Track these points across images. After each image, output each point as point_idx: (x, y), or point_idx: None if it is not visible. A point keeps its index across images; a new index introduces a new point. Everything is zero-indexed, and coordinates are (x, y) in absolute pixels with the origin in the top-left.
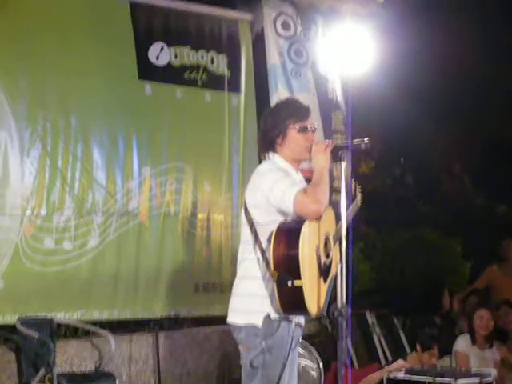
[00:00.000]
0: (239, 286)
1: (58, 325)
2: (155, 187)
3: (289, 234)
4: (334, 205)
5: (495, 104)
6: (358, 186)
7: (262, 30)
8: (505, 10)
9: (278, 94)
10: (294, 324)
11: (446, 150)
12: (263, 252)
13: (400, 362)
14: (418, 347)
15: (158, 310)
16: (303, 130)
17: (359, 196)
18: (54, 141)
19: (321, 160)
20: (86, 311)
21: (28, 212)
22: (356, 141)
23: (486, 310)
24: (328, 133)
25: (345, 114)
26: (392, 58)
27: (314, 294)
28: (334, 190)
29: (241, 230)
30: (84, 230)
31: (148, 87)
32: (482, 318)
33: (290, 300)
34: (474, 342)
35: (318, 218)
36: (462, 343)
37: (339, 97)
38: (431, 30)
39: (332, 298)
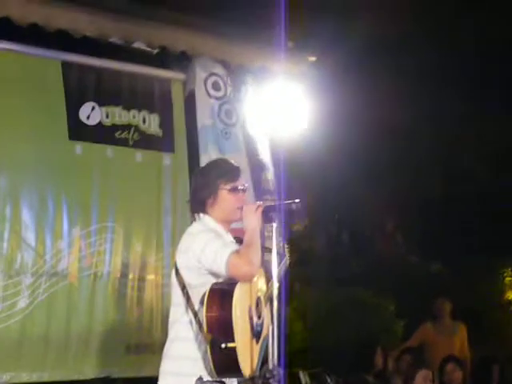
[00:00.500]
0: (171, 349)
1: None
2: (85, 248)
3: (221, 295)
4: (265, 265)
5: (429, 162)
6: (285, 246)
7: (193, 90)
8: (442, 68)
9: (209, 154)
10: None
11: (380, 209)
12: (195, 314)
13: None
14: None
15: (89, 371)
16: (234, 190)
17: (287, 256)
18: None
19: (252, 221)
20: (15, 374)
21: None
22: (286, 202)
23: (427, 370)
24: (258, 193)
25: (273, 174)
26: (325, 117)
27: (247, 355)
28: (266, 251)
29: (172, 292)
30: (13, 291)
31: (78, 147)
32: (426, 379)
33: (224, 362)
34: None
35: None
36: None
37: (268, 158)
38: (365, 87)
39: (264, 358)
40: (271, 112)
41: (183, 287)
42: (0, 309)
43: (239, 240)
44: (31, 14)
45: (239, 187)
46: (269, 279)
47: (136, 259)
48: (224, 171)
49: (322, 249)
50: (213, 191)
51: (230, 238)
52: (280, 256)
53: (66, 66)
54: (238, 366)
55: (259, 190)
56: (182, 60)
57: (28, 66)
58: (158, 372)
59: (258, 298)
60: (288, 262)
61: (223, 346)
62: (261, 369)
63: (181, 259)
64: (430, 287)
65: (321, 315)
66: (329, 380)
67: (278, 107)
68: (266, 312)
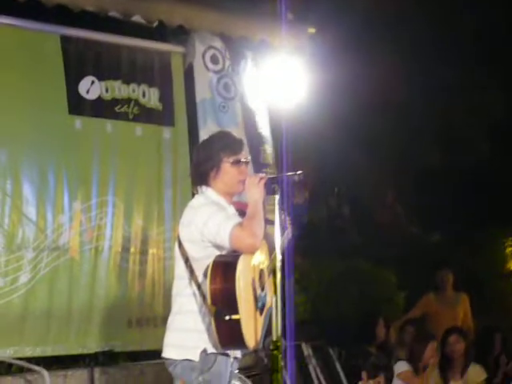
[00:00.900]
0: (174, 321)
1: None
2: (86, 222)
3: (225, 267)
4: (267, 237)
5: (428, 133)
6: (288, 218)
7: (193, 64)
8: (436, 43)
9: (207, 128)
10: (232, 358)
11: (380, 180)
12: (199, 287)
13: None
14: (364, 375)
15: (92, 345)
16: (237, 163)
17: (289, 228)
18: None
19: (255, 193)
20: (18, 348)
21: None
22: (289, 174)
23: (435, 342)
24: (257, 167)
25: (272, 147)
26: (324, 89)
27: (251, 327)
28: (268, 223)
29: (175, 264)
30: (15, 266)
31: (78, 122)
32: (434, 351)
33: (228, 334)
34: (416, 370)
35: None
36: (404, 366)
37: (267, 131)
38: (363, 61)
39: (268, 330)
40: (270, 85)
41: (186, 260)
42: (2, 284)
43: (242, 212)
44: None
45: (242, 160)
46: (271, 251)
47: (137, 233)
48: (227, 144)
49: (322, 221)
50: (215, 164)
51: (232, 210)
52: (282, 228)
53: (65, 40)
54: (243, 338)
55: (258, 164)
56: (180, 33)
57: (27, 41)
58: (160, 345)
59: (261, 270)
60: (290, 233)
61: (227, 317)
62: (264, 341)
63: (183, 232)
64: (431, 258)
65: (322, 287)
66: (331, 352)
67: (277, 80)
68: (268, 284)
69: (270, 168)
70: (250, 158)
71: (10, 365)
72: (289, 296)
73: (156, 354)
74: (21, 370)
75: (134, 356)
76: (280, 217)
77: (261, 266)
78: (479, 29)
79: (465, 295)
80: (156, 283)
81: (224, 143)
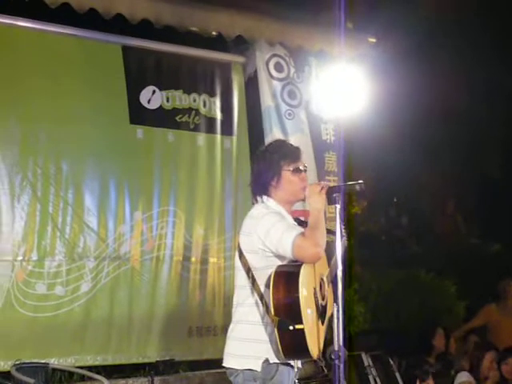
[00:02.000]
0: (235, 330)
1: (53, 370)
2: (147, 231)
3: (288, 277)
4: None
5: (487, 143)
6: (344, 227)
7: (255, 73)
8: (498, 51)
9: (273, 135)
10: (296, 368)
11: (439, 190)
12: (261, 297)
13: None
14: (418, 382)
15: (152, 354)
16: (297, 171)
17: (345, 236)
18: (44, 186)
19: (316, 202)
20: (79, 356)
21: (19, 258)
22: (351, 183)
23: (494, 352)
24: (321, 174)
25: (337, 155)
26: (385, 98)
27: (314, 336)
28: (327, 232)
29: (235, 274)
30: (76, 275)
31: (140, 131)
32: (493, 361)
33: (292, 344)
34: (478, 381)
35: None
36: (465, 377)
37: (332, 138)
38: (424, 69)
39: (327, 340)
40: (333, 93)
41: (248, 270)
42: (63, 293)
43: (300, 221)
44: (89, 0)
45: (301, 167)
46: (329, 259)
47: (198, 242)
48: (286, 152)
49: (381, 231)
50: (276, 173)
51: (291, 219)
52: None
53: (126, 50)
54: (307, 348)
55: (322, 171)
56: (240, 43)
57: (90, 51)
58: (220, 355)
59: (322, 279)
60: (346, 242)
61: (291, 327)
62: (324, 350)
63: (245, 242)
64: (491, 268)
65: (382, 297)
66: (391, 362)
67: (340, 89)
68: (329, 293)
69: (334, 175)
70: (311, 165)
71: (72, 373)
72: (344, 305)
73: (216, 363)
74: (82, 379)
75: (194, 365)
76: (344, 224)
77: (321, 275)
78: None
79: None
80: (216, 292)
81: (283, 152)
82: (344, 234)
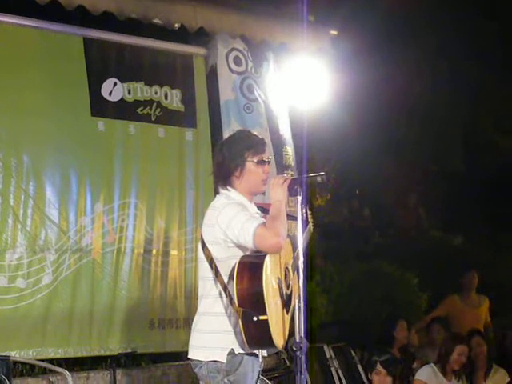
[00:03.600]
0: (200, 322)
1: (15, 363)
2: (108, 223)
3: (251, 268)
4: (291, 234)
5: (450, 136)
6: (309, 213)
7: (216, 65)
8: (462, 46)
9: (231, 128)
10: (260, 358)
11: (402, 182)
12: (225, 288)
13: None
14: (379, 367)
15: (114, 346)
16: (261, 162)
17: (310, 222)
18: (5, 179)
19: (278, 194)
20: (40, 349)
21: None
22: (312, 174)
23: (464, 346)
24: (280, 168)
25: (293, 150)
26: (347, 91)
27: (279, 326)
28: (292, 219)
29: (198, 266)
30: (37, 268)
31: (101, 124)
32: (461, 355)
33: (256, 335)
34: (444, 373)
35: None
36: (424, 374)
37: (289, 133)
38: (386, 62)
39: (290, 331)
40: (292, 87)
41: (211, 261)
42: (25, 285)
43: (264, 210)
44: None
45: (265, 159)
46: (295, 249)
47: (159, 235)
48: (251, 143)
49: (343, 223)
50: (240, 163)
51: (254, 209)
52: (303, 224)
53: (87, 42)
54: (271, 338)
55: (280, 165)
56: (202, 35)
57: (50, 42)
58: (182, 347)
59: (286, 268)
60: (312, 228)
61: (255, 318)
62: (287, 341)
63: (207, 233)
64: (453, 260)
65: (344, 289)
66: (353, 354)
67: (299, 82)
68: (293, 282)
69: (292, 170)
70: (271, 158)
71: (33, 366)
72: (305, 297)
73: (178, 355)
74: (43, 372)
75: (156, 358)
76: (303, 217)
77: (286, 264)
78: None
79: (486, 298)
80: (178, 285)
81: (248, 143)
82: (309, 220)
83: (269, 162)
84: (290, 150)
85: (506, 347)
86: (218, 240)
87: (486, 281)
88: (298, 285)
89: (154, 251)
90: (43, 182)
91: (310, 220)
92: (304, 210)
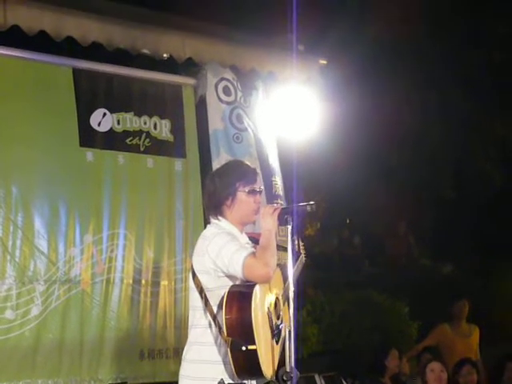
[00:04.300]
0: (190, 352)
1: None
2: (97, 254)
3: (240, 298)
4: (282, 265)
5: (440, 165)
6: (301, 244)
7: (205, 95)
8: (451, 73)
9: (220, 158)
10: None
11: (392, 211)
12: (214, 317)
13: None
14: None
15: (104, 377)
16: (252, 192)
17: (303, 253)
18: None
19: (269, 223)
20: (30, 381)
21: None
22: (302, 204)
23: (436, 362)
24: (269, 198)
25: (281, 179)
26: (336, 120)
27: (268, 356)
28: (282, 249)
29: (189, 295)
30: (26, 299)
31: (89, 154)
32: (433, 371)
33: (245, 364)
34: None
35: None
36: None
37: (277, 162)
38: (376, 91)
39: (281, 361)
40: (281, 116)
41: (201, 290)
42: (13, 317)
43: (254, 240)
44: (39, 22)
45: (256, 189)
46: (285, 279)
47: (148, 265)
48: (242, 173)
49: (333, 252)
50: (231, 193)
51: (245, 239)
52: (296, 255)
53: (76, 72)
54: (260, 368)
55: (270, 195)
56: (191, 65)
57: (40, 73)
58: (172, 377)
59: (277, 299)
60: (304, 259)
61: (244, 348)
62: (277, 371)
63: (197, 263)
64: (443, 289)
65: (335, 319)
66: (344, 383)
67: (288, 111)
68: (284, 312)
69: (281, 199)
70: (263, 187)
71: None
72: (296, 326)
73: None
74: None
75: None
76: (292, 244)
77: (276, 294)
78: (494, 60)
79: (477, 327)
80: (168, 315)
81: (240, 173)
82: (302, 251)
83: (260, 192)
84: (278, 180)
85: (496, 377)
86: (207, 269)
87: (476, 309)
88: (289, 315)
89: (144, 281)
90: (32, 212)
91: (302, 251)
92: (295, 241)
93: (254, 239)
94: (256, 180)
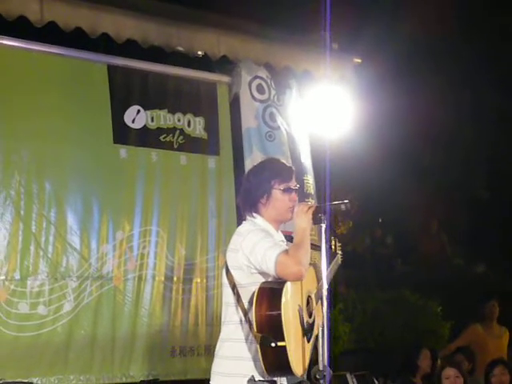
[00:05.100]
0: (222, 349)
1: None
2: (129, 251)
3: (271, 294)
4: (316, 264)
5: (475, 164)
6: (337, 244)
7: (239, 93)
8: (485, 71)
9: (253, 156)
10: None
11: (425, 210)
12: (245, 314)
13: None
14: None
15: (135, 373)
16: (287, 190)
17: (339, 254)
18: (27, 205)
19: (303, 221)
20: (62, 376)
21: (1, 277)
22: (337, 203)
23: (451, 368)
24: (301, 197)
25: (314, 178)
26: (371, 119)
27: (298, 354)
28: (317, 249)
29: (222, 291)
30: (59, 295)
31: (123, 151)
32: (449, 378)
33: (275, 361)
34: None
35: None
36: None
37: (309, 161)
38: (410, 90)
39: (313, 359)
40: (315, 115)
41: (233, 286)
42: (46, 312)
43: (289, 238)
44: (75, 19)
45: (292, 187)
46: (319, 278)
47: (180, 262)
48: (278, 171)
49: (366, 251)
50: (267, 191)
51: (280, 237)
52: (332, 255)
53: (111, 69)
54: (289, 365)
55: (301, 194)
56: (226, 63)
57: (75, 70)
58: (203, 374)
59: (309, 297)
60: (340, 259)
61: (273, 344)
62: (309, 369)
63: (231, 259)
64: (476, 289)
65: (367, 317)
66: (376, 382)
67: (322, 110)
68: (317, 311)
69: (312, 198)
70: (299, 185)
71: None
72: (329, 325)
73: (200, 383)
74: None
75: None
76: (329, 244)
77: (308, 293)
78: None
79: (506, 329)
80: (199, 312)
81: (275, 170)
82: (339, 251)
83: (296, 190)
84: (310, 179)
85: None
86: (241, 266)
87: (507, 310)
88: (322, 313)
89: (175, 278)
90: (65, 208)
91: (338, 251)
92: (332, 240)
93: (290, 237)
94: (291, 178)
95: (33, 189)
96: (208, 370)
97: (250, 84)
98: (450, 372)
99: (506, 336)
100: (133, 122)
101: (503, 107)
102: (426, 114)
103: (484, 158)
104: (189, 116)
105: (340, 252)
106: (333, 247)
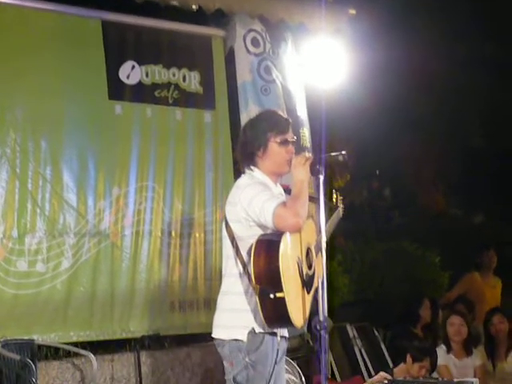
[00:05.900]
0: (223, 302)
1: (39, 346)
2: (125, 207)
3: (268, 246)
4: (316, 216)
5: (469, 114)
6: (339, 197)
7: (234, 47)
8: (479, 22)
9: (249, 110)
10: (278, 338)
11: (421, 161)
12: (245, 266)
13: (382, 374)
14: (409, 358)
15: (135, 329)
16: (284, 142)
17: (341, 206)
18: (23, 163)
19: (300, 173)
20: (62, 333)
21: None
22: (334, 154)
23: (456, 316)
24: (297, 149)
25: (310, 130)
26: (365, 70)
27: (297, 305)
28: (315, 201)
29: (222, 245)
30: (57, 252)
31: (118, 107)
32: (453, 325)
33: (274, 313)
34: (448, 350)
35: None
36: (439, 355)
37: (305, 114)
38: (404, 41)
39: (313, 311)
40: (310, 67)
41: (233, 239)
42: (44, 270)
43: (289, 191)
44: None
45: (289, 139)
46: (319, 230)
47: (177, 217)
48: (274, 123)
49: (363, 203)
50: (263, 143)
51: (279, 189)
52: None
53: (106, 24)
54: (288, 316)
55: (298, 146)
56: (221, 17)
57: (69, 26)
58: (203, 329)
59: (308, 249)
60: (341, 212)
61: (271, 296)
62: (310, 321)
63: (230, 211)
64: (474, 239)
65: (366, 269)
66: (376, 333)
67: (317, 62)
68: (317, 262)
69: (308, 151)
70: (296, 137)
71: (57, 349)
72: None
73: (200, 336)
74: (67, 355)
75: (179, 339)
76: (330, 196)
77: (308, 245)
78: None
79: (499, 280)
80: (198, 266)
81: (272, 123)
82: (340, 204)
83: (293, 143)
84: (306, 132)
85: None
86: (239, 218)
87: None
88: (322, 265)
89: (173, 233)
90: (61, 166)
91: (340, 204)
92: (333, 193)
93: (289, 190)
94: (288, 130)
95: (28, 147)
96: (207, 324)
97: (244, 37)
98: (455, 320)
99: (499, 286)
100: (127, 77)
101: (497, 56)
102: (420, 65)
103: (478, 107)
104: (184, 71)
105: (342, 205)
106: (334, 200)
